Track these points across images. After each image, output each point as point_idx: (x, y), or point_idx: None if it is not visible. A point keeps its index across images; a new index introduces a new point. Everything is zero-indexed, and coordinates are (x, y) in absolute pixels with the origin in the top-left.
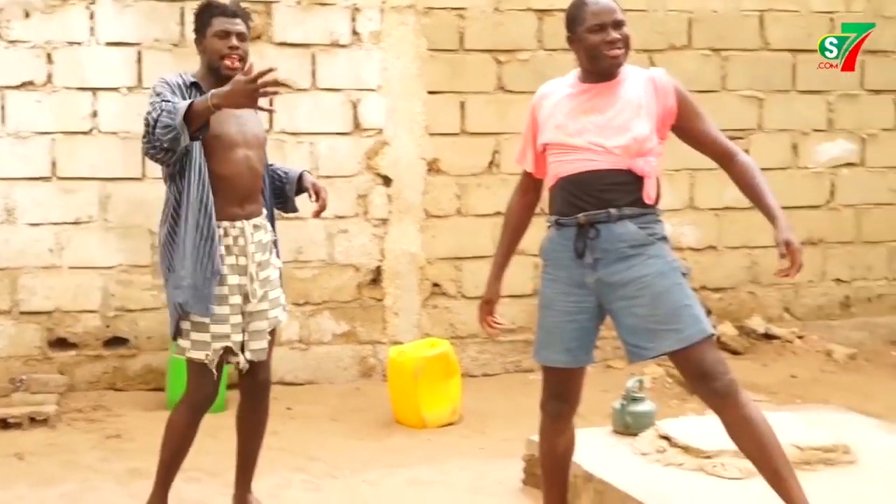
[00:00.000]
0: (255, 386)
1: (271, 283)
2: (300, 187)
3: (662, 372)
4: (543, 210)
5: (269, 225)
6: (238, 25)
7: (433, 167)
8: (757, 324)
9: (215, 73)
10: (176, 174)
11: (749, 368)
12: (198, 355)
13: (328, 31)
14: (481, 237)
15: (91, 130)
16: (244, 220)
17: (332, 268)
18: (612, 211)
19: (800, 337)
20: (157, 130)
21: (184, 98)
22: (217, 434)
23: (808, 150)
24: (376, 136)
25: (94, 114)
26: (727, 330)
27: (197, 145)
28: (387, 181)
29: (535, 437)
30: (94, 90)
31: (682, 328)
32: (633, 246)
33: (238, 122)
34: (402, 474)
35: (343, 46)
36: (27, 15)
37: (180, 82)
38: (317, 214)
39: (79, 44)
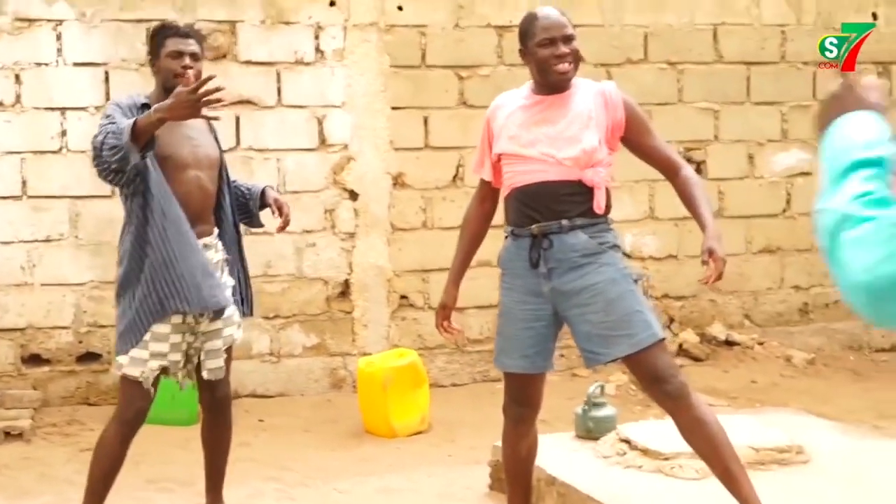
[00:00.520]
0: (215, 402)
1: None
2: (263, 203)
3: (626, 379)
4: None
5: (219, 244)
6: (191, 46)
7: (398, 181)
8: (718, 331)
9: (170, 92)
10: (137, 192)
11: (710, 374)
12: (133, 372)
13: (292, 50)
14: (447, 249)
15: (60, 150)
16: None
17: (300, 281)
18: (564, 222)
19: (760, 343)
20: (105, 152)
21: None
22: (187, 445)
23: (763, 161)
24: (342, 151)
25: (63, 133)
26: (689, 337)
27: (153, 162)
28: (353, 195)
29: (500, 443)
30: (62, 110)
31: (635, 333)
32: (584, 255)
33: (191, 144)
34: (372, 482)
35: (307, 64)
36: None
37: (131, 104)
38: (281, 229)
39: (46, 64)
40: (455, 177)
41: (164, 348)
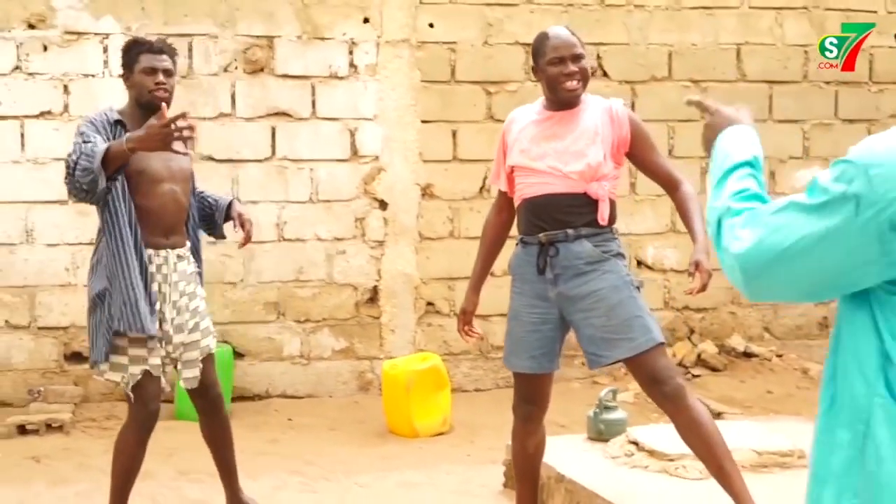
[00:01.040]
0: (208, 403)
1: (200, 313)
2: (228, 215)
3: None
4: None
5: (192, 256)
6: (165, 62)
7: (427, 192)
8: (737, 342)
9: (144, 106)
10: (104, 208)
11: (727, 384)
12: (114, 377)
13: (327, 64)
14: (473, 258)
15: None
16: (168, 250)
17: (331, 287)
18: (570, 231)
19: (779, 355)
20: (77, 173)
21: (107, 136)
22: None
23: (785, 177)
24: (373, 162)
25: None
26: (707, 348)
27: (121, 180)
28: (383, 205)
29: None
30: None
31: (635, 337)
32: (589, 262)
33: (163, 158)
34: (392, 478)
35: (341, 78)
36: (45, 49)
37: (104, 120)
38: (242, 245)
39: (93, 76)
40: (482, 188)
41: (143, 353)
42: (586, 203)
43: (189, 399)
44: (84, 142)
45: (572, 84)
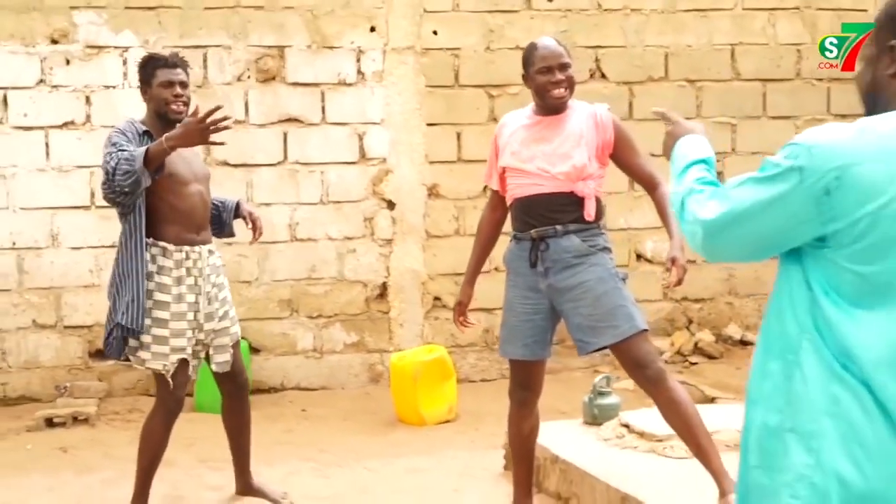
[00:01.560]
0: (235, 387)
1: (229, 302)
2: (237, 214)
3: None
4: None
5: (217, 250)
6: (180, 75)
7: (433, 192)
8: (734, 331)
9: (162, 118)
10: (129, 212)
11: (723, 371)
12: (156, 366)
13: (336, 72)
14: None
15: None
16: (201, 246)
17: (342, 284)
18: (559, 227)
19: None
20: (118, 177)
21: (138, 144)
22: None
23: None
24: (380, 164)
25: None
26: (705, 337)
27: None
28: (391, 205)
29: None
30: None
31: (619, 325)
32: (577, 256)
33: (185, 162)
34: (400, 463)
35: (349, 85)
36: (68, 62)
37: (133, 130)
38: (254, 240)
39: (113, 87)
40: (486, 188)
41: (183, 343)
42: (573, 201)
43: (216, 384)
44: (118, 150)
45: (559, 91)
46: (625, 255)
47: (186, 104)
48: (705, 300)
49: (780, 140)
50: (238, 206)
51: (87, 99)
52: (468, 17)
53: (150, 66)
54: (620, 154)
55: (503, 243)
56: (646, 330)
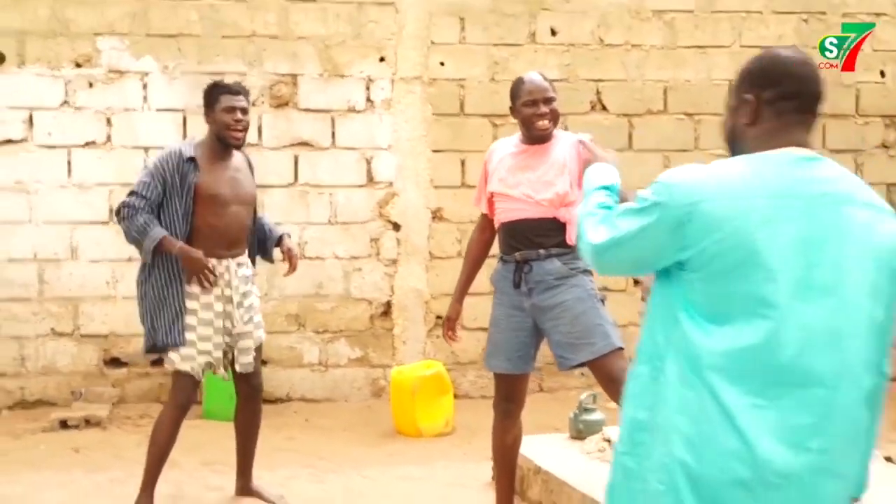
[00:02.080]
0: (251, 390)
1: (254, 309)
2: (279, 244)
3: None
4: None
5: (249, 262)
6: (241, 102)
7: (437, 215)
8: None
9: (222, 140)
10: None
11: None
12: (185, 367)
13: (346, 99)
14: (478, 276)
15: None
16: (230, 259)
17: (348, 301)
18: (542, 251)
19: None
20: (127, 232)
21: (175, 177)
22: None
23: None
24: (387, 188)
25: None
26: None
27: (185, 202)
28: (396, 227)
29: None
30: (146, 148)
31: (595, 342)
32: (558, 278)
33: (233, 184)
34: (394, 472)
35: (359, 112)
36: (91, 85)
37: (175, 162)
38: (288, 274)
39: (134, 109)
40: None
41: (209, 347)
42: (556, 226)
43: (233, 386)
44: (141, 195)
45: (544, 123)
46: (622, 279)
47: (245, 129)
48: None
49: None
50: (281, 238)
51: (108, 120)
52: (474, 50)
53: (215, 93)
54: None
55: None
56: (621, 348)
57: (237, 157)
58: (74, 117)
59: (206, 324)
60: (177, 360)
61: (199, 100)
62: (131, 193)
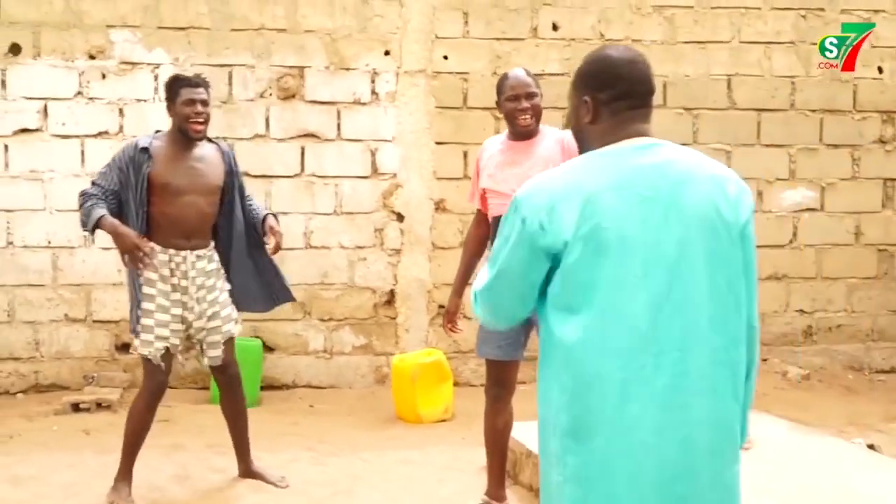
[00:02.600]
0: (228, 378)
1: (221, 303)
2: (264, 226)
3: None
4: None
5: (214, 255)
6: (202, 94)
7: (440, 206)
8: None
9: (184, 133)
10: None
11: None
12: (143, 352)
13: (351, 92)
14: (480, 266)
15: None
16: (188, 251)
17: (352, 290)
18: None
19: (763, 360)
20: (81, 215)
21: (129, 167)
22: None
23: (772, 197)
24: (391, 179)
25: None
26: None
27: (139, 193)
28: (400, 217)
29: None
30: None
31: None
32: None
33: (189, 174)
34: (392, 455)
35: (364, 104)
36: (104, 77)
37: (130, 153)
38: (273, 253)
39: (145, 101)
40: None
41: (167, 333)
42: None
43: (213, 377)
44: (97, 184)
45: (525, 119)
46: None
47: (206, 121)
48: None
49: (773, 166)
50: (265, 219)
51: (121, 111)
52: (477, 44)
53: (176, 86)
54: None
55: None
56: None
57: (204, 149)
58: (88, 108)
59: (163, 310)
60: (137, 345)
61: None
62: (91, 184)
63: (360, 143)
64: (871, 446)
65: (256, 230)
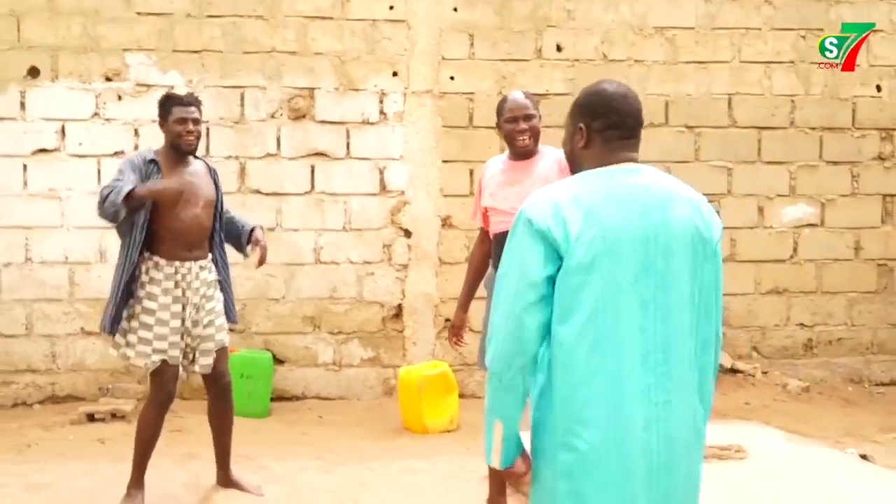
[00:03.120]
0: (218, 389)
1: (216, 313)
2: (250, 238)
3: None
4: None
5: (213, 266)
6: (193, 113)
7: (446, 223)
8: (724, 360)
9: (176, 149)
10: (126, 234)
11: None
12: (138, 363)
13: (360, 112)
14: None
15: None
16: (191, 262)
17: (361, 304)
18: None
19: (764, 372)
20: (106, 204)
21: (142, 173)
22: (257, 431)
23: (773, 213)
24: (399, 196)
25: None
26: None
27: (143, 213)
28: (407, 233)
29: None
30: None
31: None
32: None
33: (191, 187)
34: (398, 464)
35: (372, 124)
36: (120, 98)
37: (141, 160)
38: (258, 266)
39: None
40: None
41: (164, 346)
42: None
43: (204, 385)
44: (117, 180)
45: (523, 139)
46: None
47: (198, 138)
48: None
49: (773, 183)
50: (251, 232)
51: (136, 131)
52: (483, 65)
53: (168, 104)
54: None
55: None
56: None
57: (195, 164)
58: (104, 128)
59: (162, 323)
60: (132, 355)
61: (222, 112)
62: (106, 187)
63: (368, 161)
64: (863, 456)
65: (237, 241)
